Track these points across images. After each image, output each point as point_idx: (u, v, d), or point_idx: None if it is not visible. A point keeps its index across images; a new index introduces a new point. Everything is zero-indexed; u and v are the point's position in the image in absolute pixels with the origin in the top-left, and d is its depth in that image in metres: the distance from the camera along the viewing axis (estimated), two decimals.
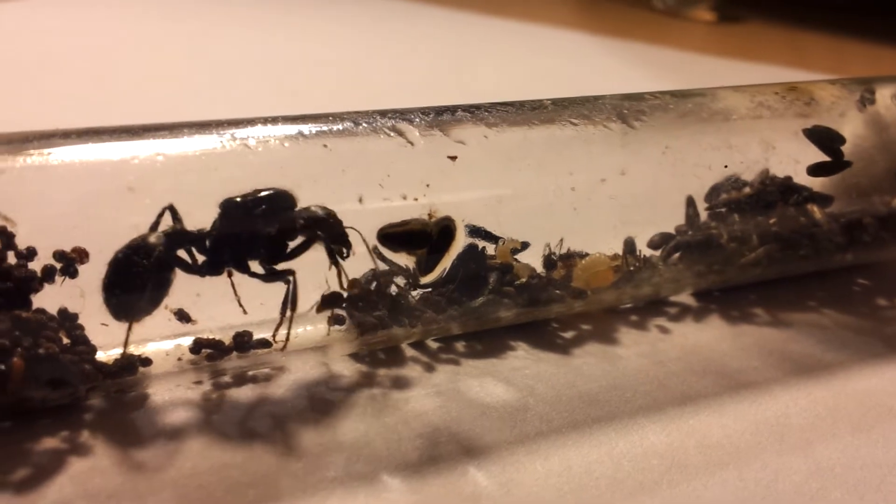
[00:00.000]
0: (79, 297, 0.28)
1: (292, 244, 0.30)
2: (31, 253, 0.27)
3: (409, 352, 0.35)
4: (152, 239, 0.28)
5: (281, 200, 0.30)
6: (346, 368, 0.33)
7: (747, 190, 0.39)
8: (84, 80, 0.73)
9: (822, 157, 0.39)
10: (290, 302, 0.31)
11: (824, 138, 0.39)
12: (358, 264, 0.32)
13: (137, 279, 0.28)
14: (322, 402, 0.31)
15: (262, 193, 0.30)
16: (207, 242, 0.29)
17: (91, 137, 0.29)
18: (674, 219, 0.39)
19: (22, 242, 0.27)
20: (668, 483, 0.28)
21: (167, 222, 0.29)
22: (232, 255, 0.30)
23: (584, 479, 0.28)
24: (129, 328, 0.29)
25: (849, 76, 0.44)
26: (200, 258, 0.30)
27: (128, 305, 0.29)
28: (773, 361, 0.36)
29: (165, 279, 0.29)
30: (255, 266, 0.30)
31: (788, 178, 0.40)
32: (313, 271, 0.31)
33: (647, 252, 0.38)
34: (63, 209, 0.28)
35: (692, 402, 0.33)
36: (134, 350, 0.29)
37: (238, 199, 0.29)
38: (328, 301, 0.32)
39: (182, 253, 0.29)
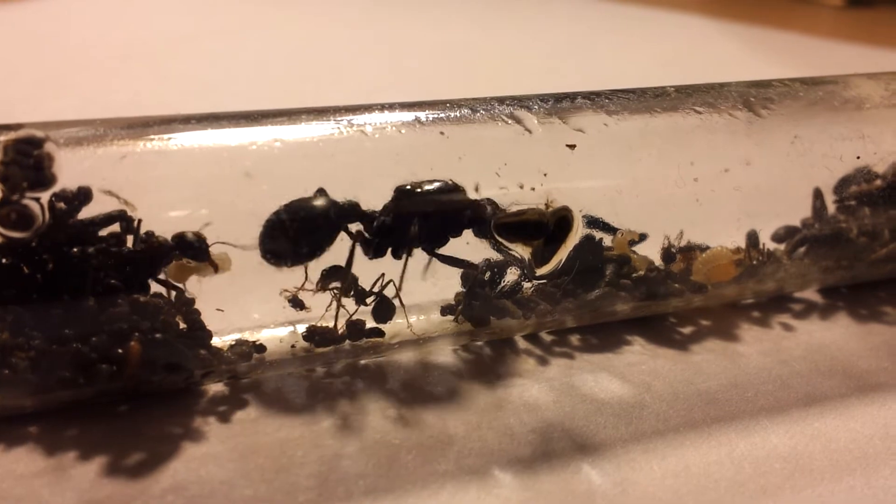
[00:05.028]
0: (195, 282, 0.28)
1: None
2: (149, 237, 0.27)
3: (523, 344, 0.34)
4: (319, 202, 0.29)
5: (452, 192, 0.30)
6: (459, 360, 0.33)
7: (879, 182, 0.37)
8: (203, 65, 0.75)
9: None
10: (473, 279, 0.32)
11: None
12: (473, 254, 0.31)
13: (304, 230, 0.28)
14: (433, 394, 0.31)
15: (436, 184, 0.30)
16: (375, 224, 0.30)
17: (210, 123, 0.29)
18: (800, 211, 0.37)
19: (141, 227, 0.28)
20: (792, 488, 0.27)
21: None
22: (398, 239, 0.30)
23: (703, 480, 0.27)
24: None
25: None
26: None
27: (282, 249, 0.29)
28: None
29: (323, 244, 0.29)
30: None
31: None
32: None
33: (772, 246, 0.37)
34: (182, 194, 0.28)
35: (817, 404, 0.31)
36: (248, 336, 0.30)
37: (412, 188, 0.30)
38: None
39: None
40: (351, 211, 0.29)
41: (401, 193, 0.30)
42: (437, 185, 0.30)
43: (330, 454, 0.28)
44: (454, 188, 0.30)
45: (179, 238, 0.27)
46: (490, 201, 0.30)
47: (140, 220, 0.27)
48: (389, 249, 0.30)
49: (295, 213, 0.28)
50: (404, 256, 0.30)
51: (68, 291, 0.26)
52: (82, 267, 0.26)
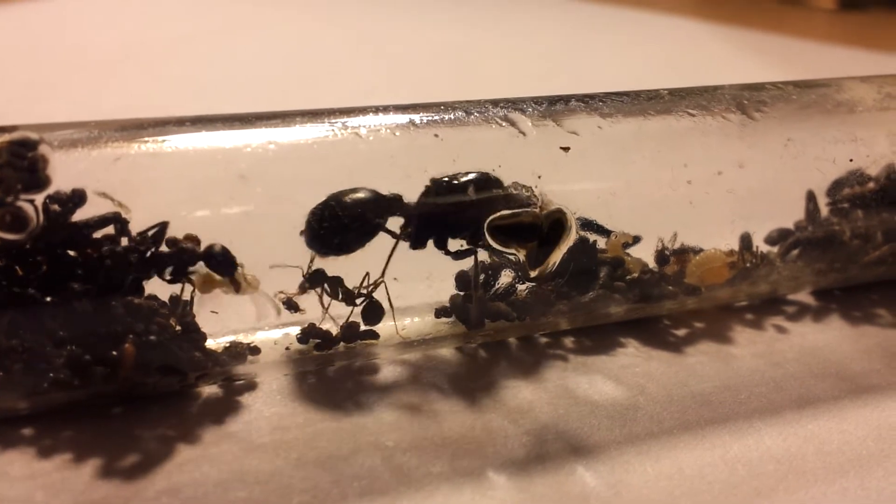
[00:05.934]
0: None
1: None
2: (143, 240, 0.27)
3: (517, 346, 0.34)
4: (368, 193, 0.29)
5: (490, 183, 0.30)
6: (453, 362, 0.33)
7: (872, 185, 0.37)
8: (199, 67, 0.75)
9: None
10: (476, 277, 0.31)
11: None
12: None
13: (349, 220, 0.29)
14: (428, 395, 0.31)
15: (471, 175, 0.30)
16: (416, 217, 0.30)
17: (204, 125, 0.29)
18: (793, 214, 0.37)
19: (135, 228, 0.28)
20: (785, 490, 0.27)
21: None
22: (439, 231, 0.30)
23: (697, 482, 0.27)
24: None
25: None
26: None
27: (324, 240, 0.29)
28: None
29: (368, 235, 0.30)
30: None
31: None
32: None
33: (765, 248, 0.37)
34: (176, 196, 0.28)
35: (811, 406, 0.32)
36: (243, 338, 0.30)
37: (450, 180, 0.30)
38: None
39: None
40: (396, 204, 0.30)
41: (437, 186, 0.30)
42: (472, 176, 0.30)
43: (324, 456, 0.28)
44: (490, 178, 0.30)
45: (208, 251, 0.28)
46: (527, 187, 0.31)
47: (167, 223, 0.27)
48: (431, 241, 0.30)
49: (345, 203, 0.28)
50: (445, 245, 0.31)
51: (67, 292, 0.26)
52: (95, 269, 0.27)
